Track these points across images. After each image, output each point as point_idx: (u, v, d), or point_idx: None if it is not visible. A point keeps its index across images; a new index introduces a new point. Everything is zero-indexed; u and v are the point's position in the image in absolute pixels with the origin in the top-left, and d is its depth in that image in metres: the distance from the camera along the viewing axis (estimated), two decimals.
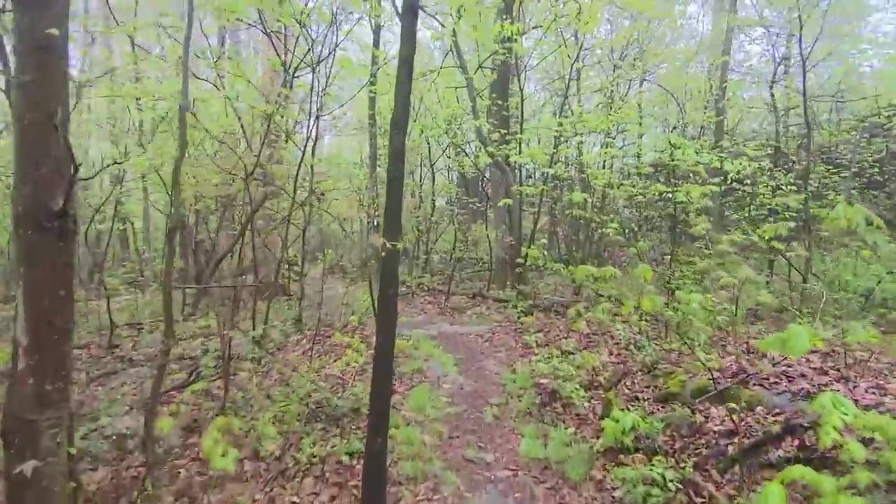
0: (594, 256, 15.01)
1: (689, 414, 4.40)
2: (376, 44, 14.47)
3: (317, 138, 9.99)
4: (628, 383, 5.61)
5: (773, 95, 11.25)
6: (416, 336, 8.67)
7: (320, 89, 8.39)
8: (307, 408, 5.43)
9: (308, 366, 7.45)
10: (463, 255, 14.41)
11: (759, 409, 4.11)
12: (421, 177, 21.65)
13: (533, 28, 12.99)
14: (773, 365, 4.54)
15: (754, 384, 4.42)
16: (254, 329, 8.50)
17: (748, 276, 5.06)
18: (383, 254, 3.44)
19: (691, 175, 11.03)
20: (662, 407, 4.79)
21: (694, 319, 5.20)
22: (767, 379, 4.41)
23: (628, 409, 4.83)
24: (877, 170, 11.64)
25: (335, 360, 7.50)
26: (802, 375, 4.44)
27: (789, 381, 4.34)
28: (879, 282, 7.98)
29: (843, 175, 11.91)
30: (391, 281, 3.61)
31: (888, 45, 12.19)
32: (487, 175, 14.41)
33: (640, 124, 13.16)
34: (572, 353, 7.21)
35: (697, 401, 4.50)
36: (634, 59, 13.72)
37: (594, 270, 4.37)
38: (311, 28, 8.86)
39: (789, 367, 4.61)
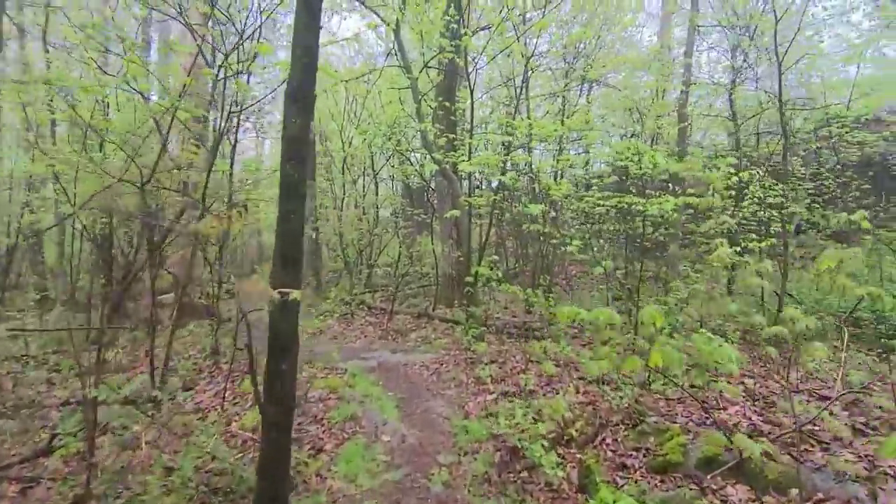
0: (544, 272, 14.07)
1: (697, 495, 3.32)
2: None
3: (236, 142, 8.62)
4: (608, 440, 4.51)
5: (731, 101, 10.57)
6: (353, 369, 7.41)
7: (230, 78, 7.06)
8: (197, 490, 4.07)
9: (218, 414, 6.08)
10: (407, 269, 13.21)
11: (793, 492, 3.07)
12: (364, 186, 20.34)
13: (482, 29, 12.00)
14: (793, 422, 3.52)
15: (780, 448, 3.39)
16: (163, 362, 7.10)
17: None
18: (270, 309, 2.22)
19: (666, 185, 10.26)
20: (661, 481, 3.70)
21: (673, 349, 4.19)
22: (794, 445, 3.38)
23: (615, 483, 3.71)
24: (830, 181, 11.15)
25: (252, 407, 6.16)
26: (837, 438, 3.43)
27: (824, 449, 3.32)
28: (860, 301, 7.21)
29: (800, 187, 11.34)
30: (287, 346, 2.39)
31: (835, 56, 11.77)
32: (433, 185, 13.30)
33: (592, 130, 12.28)
34: (533, 393, 6.09)
35: (709, 476, 3.43)
36: (586, 67, 12.91)
37: (584, 313, 3.27)
38: (239, 21, 7.57)
39: (814, 426, 3.60)
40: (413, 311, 12.06)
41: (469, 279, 8.72)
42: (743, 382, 5.29)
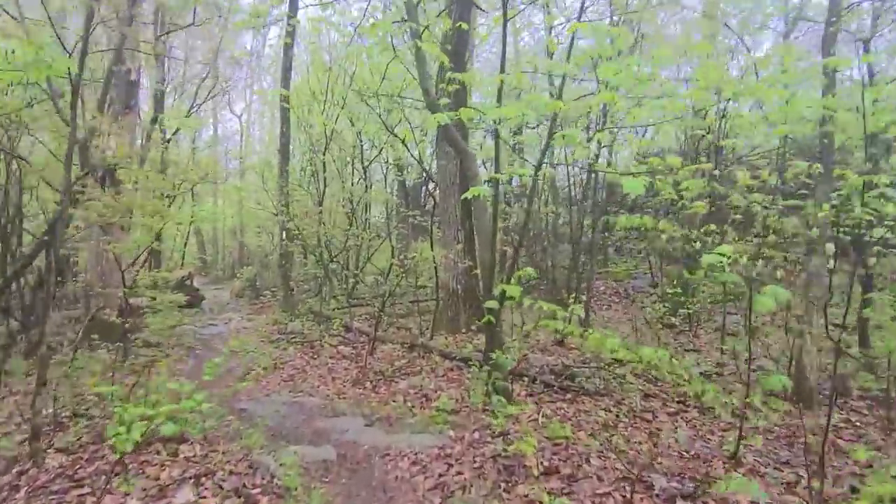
0: (576, 286, 10.66)
1: None
2: None
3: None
4: None
5: None
6: (294, 469, 3.95)
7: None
8: None
9: None
10: (398, 283, 9.78)
11: None
12: (352, 179, 16.88)
13: None
14: None
15: None
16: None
17: None
18: None
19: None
20: None
21: None
22: None
23: None
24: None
25: None
26: None
27: None
28: None
29: None
30: None
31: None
32: (435, 169, 9.84)
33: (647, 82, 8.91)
34: None
35: None
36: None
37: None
38: None
39: None
40: (404, 340, 8.61)
41: (491, 303, 5.26)
42: None
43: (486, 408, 5.06)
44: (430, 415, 5.25)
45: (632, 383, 5.88)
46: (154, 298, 11.36)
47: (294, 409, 5.51)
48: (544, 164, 4.86)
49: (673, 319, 10.02)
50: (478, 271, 9.43)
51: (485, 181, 6.44)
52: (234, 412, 5.45)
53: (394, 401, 5.78)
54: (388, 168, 19.14)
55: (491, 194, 5.52)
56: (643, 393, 5.76)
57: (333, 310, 12.38)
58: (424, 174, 8.73)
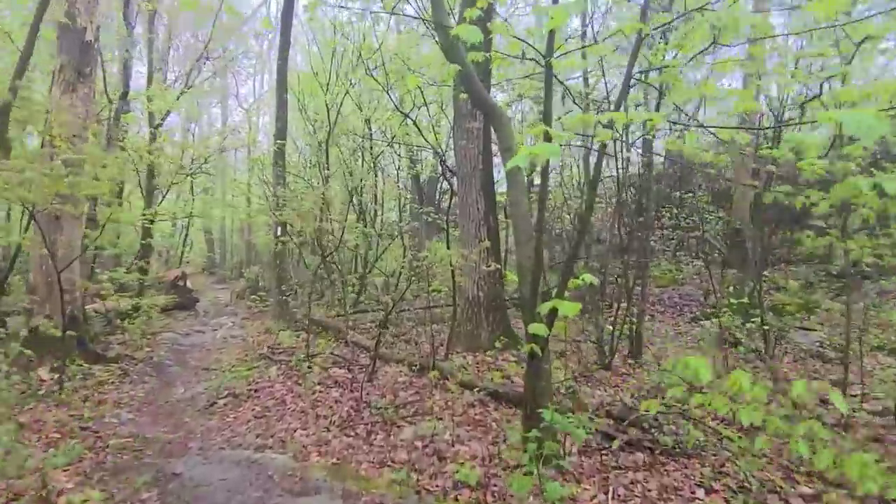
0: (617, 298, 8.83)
1: None
2: None
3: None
4: None
5: None
6: None
7: None
8: None
9: None
10: (409, 287, 8.04)
11: None
12: (360, 173, 15.14)
13: None
14: None
15: None
16: None
17: None
18: None
19: None
20: None
21: None
22: None
23: None
24: None
25: None
26: None
27: None
28: None
29: None
30: None
31: None
32: (452, 146, 7.94)
33: None
34: None
35: None
36: None
37: None
38: None
39: None
40: (411, 359, 6.85)
41: (537, 328, 3.45)
42: None
43: (532, 492, 3.28)
44: (445, 490, 3.51)
45: (734, 440, 4.06)
46: (138, 301, 9.74)
47: (250, 475, 3.78)
48: (622, 113, 2.93)
49: (739, 335, 8.17)
50: (502, 272, 7.79)
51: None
52: (163, 479, 3.74)
53: (392, 462, 4.03)
54: (399, 161, 17.40)
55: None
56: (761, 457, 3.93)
57: (335, 317, 10.68)
58: (440, 163, 6.98)
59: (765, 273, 10.56)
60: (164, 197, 14.31)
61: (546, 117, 3.62)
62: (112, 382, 6.36)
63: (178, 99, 11.83)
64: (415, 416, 5.01)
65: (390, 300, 6.69)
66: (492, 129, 6.86)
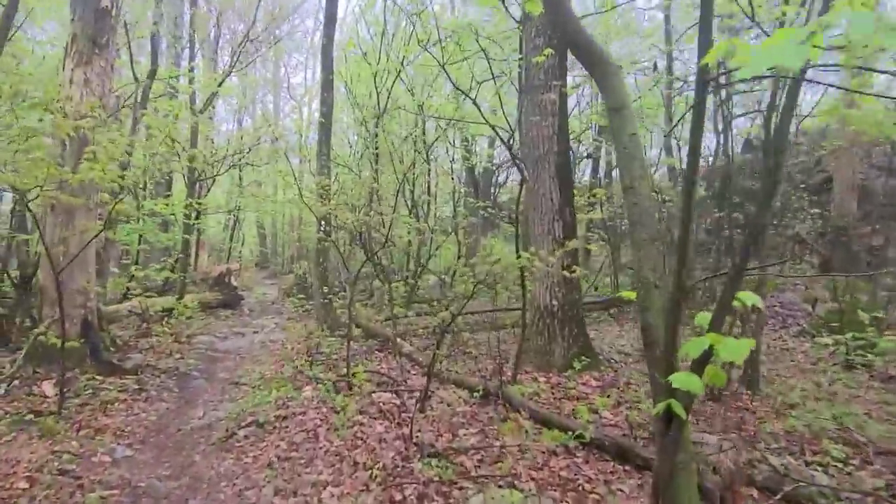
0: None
1: None
2: None
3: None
4: None
5: None
6: None
7: None
8: None
9: None
10: (473, 296, 6.75)
11: None
12: (414, 163, 13.92)
13: None
14: None
15: None
16: None
17: None
18: None
19: None
20: None
21: None
22: None
23: None
24: None
25: None
26: None
27: None
28: None
29: None
30: None
31: None
32: (522, 120, 6.53)
33: None
34: None
35: None
36: None
37: None
38: None
39: None
40: (472, 382, 5.59)
41: (683, 379, 2.14)
42: None
43: None
44: None
45: None
46: (175, 301, 8.91)
47: None
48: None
49: (870, 357, 6.55)
50: (574, 273, 6.40)
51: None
52: None
53: None
54: (454, 150, 16.15)
55: None
56: None
57: (384, 321, 9.55)
58: (506, 146, 5.63)
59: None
60: (209, 189, 13.53)
61: (704, 31, 2.24)
62: (123, 401, 5.38)
63: (220, 84, 10.93)
64: (480, 470, 3.75)
65: (449, 314, 5.41)
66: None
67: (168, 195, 12.35)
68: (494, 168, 18.11)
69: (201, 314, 11.24)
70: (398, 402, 5.19)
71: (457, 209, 15.05)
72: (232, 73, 11.64)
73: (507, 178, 18.58)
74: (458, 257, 14.63)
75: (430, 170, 14.26)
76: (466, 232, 14.29)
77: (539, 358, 6.26)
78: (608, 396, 5.37)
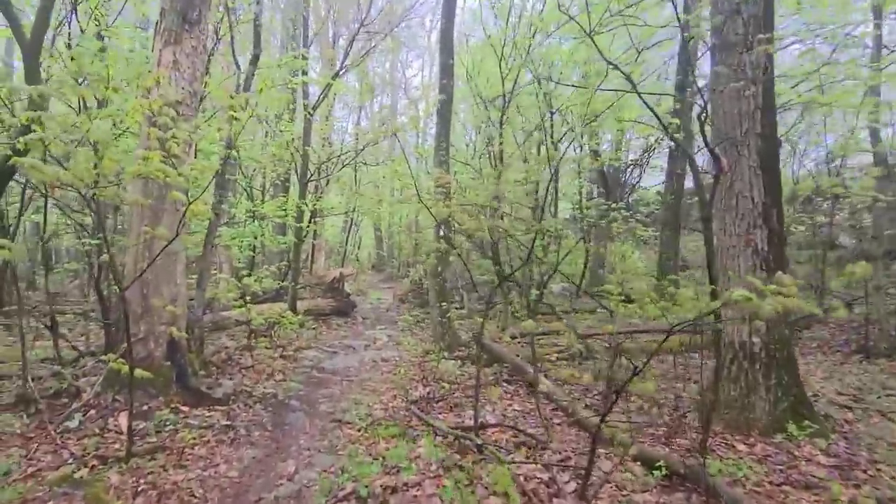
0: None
1: None
2: None
3: None
4: None
5: None
6: None
7: None
8: None
9: None
10: (658, 313, 5.08)
11: None
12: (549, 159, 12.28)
13: None
14: None
15: None
16: None
17: None
18: None
19: None
20: None
21: None
22: None
23: None
24: None
25: None
26: None
27: None
28: None
29: None
30: None
31: None
32: (707, 85, 4.72)
33: None
34: None
35: None
36: None
37: None
38: None
39: None
40: (649, 453, 3.95)
41: None
42: None
43: None
44: None
45: None
46: (280, 311, 8.10)
47: None
48: None
49: None
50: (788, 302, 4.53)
51: None
52: None
53: None
54: (582, 148, 14.31)
55: None
56: None
57: (510, 341, 8.09)
58: (699, 120, 3.97)
59: None
60: (321, 190, 12.83)
61: None
62: (206, 442, 4.38)
63: (334, 77, 10.04)
64: None
65: (622, 364, 3.85)
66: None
67: (282, 196, 11.78)
68: (622, 167, 16.07)
69: (312, 323, 10.45)
70: (545, 477, 3.69)
71: (585, 211, 13.24)
72: (347, 66, 10.72)
73: (641, 175, 16.32)
74: (585, 264, 12.95)
75: (557, 168, 12.59)
76: (596, 236, 12.50)
77: (735, 413, 4.48)
78: (856, 486, 3.54)
